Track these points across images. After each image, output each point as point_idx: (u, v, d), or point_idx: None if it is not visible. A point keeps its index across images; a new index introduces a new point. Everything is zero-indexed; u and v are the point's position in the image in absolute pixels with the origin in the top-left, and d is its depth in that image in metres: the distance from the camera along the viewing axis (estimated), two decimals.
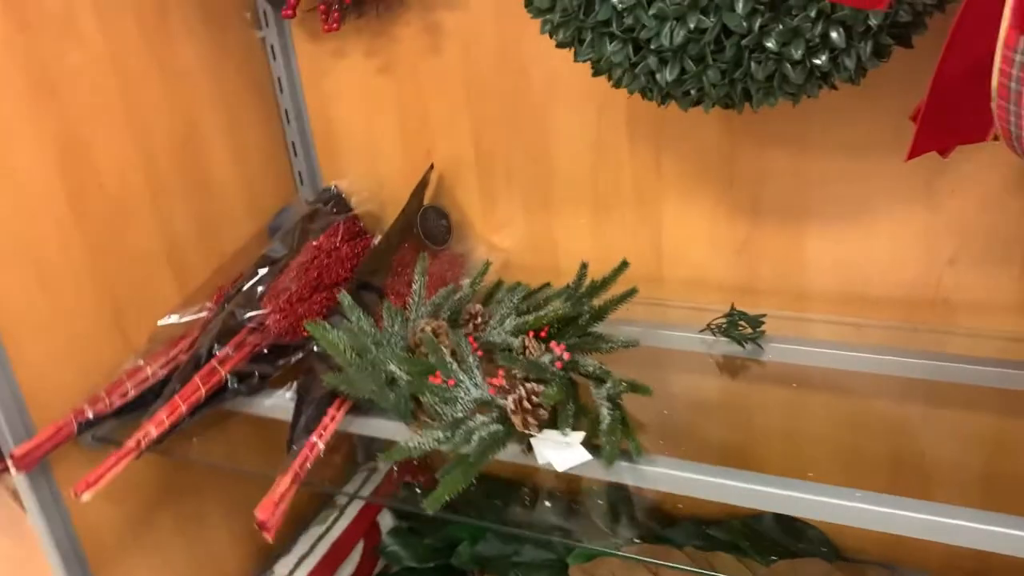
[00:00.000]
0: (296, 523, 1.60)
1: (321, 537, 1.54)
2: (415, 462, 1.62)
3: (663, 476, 0.98)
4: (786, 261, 1.29)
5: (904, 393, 1.21)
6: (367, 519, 1.58)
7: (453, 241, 1.46)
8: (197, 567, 1.43)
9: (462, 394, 1.02)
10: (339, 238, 1.43)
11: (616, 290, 1.20)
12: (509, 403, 1.00)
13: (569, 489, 1.32)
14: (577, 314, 1.16)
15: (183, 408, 1.17)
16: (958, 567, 1.37)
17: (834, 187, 1.22)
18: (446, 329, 1.15)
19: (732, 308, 1.23)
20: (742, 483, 0.94)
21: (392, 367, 1.02)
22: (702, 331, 1.26)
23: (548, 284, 1.28)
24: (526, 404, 0.99)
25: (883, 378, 1.18)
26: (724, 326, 1.23)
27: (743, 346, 1.21)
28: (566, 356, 1.10)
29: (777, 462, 1.34)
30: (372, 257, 1.35)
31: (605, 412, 1.02)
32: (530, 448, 1.01)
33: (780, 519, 1.52)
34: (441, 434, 0.98)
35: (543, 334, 1.17)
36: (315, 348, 1.20)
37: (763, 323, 1.22)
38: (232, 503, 1.51)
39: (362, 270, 1.32)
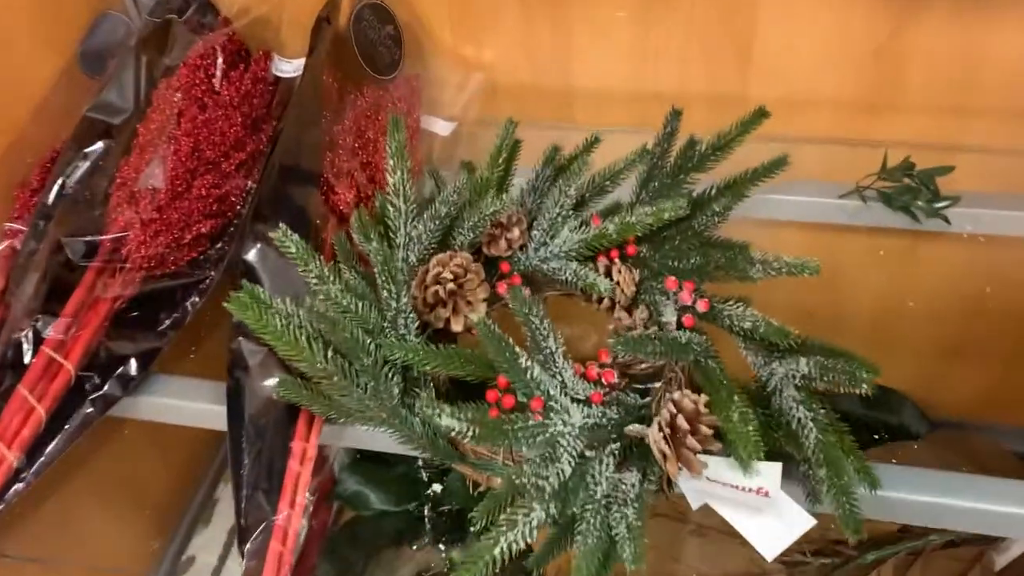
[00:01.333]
0: (196, 473, 1.14)
1: None
2: None
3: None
4: (951, 63, 0.82)
5: None
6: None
7: (404, 59, 0.90)
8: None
9: (560, 424, 0.56)
10: (214, 71, 0.84)
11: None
12: (654, 435, 0.55)
13: None
14: (696, 209, 0.68)
15: (12, 457, 0.64)
16: None
17: None
18: (478, 271, 0.65)
19: (906, 162, 0.77)
20: None
21: (433, 414, 0.53)
22: (845, 196, 0.81)
23: (596, 140, 0.76)
24: (688, 438, 0.54)
25: None
26: (893, 192, 0.78)
27: (917, 219, 0.78)
28: (702, 305, 0.63)
29: None
30: (293, 114, 0.78)
31: (802, 413, 0.58)
32: (670, 485, 0.58)
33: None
34: (542, 511, 0.53)
35: (630, 250, 0.69)
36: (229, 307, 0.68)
37: (941, 175, 0.78)
38: (111, 479, 1.02)
39: (283, 143, 0.76)
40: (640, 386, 0.62)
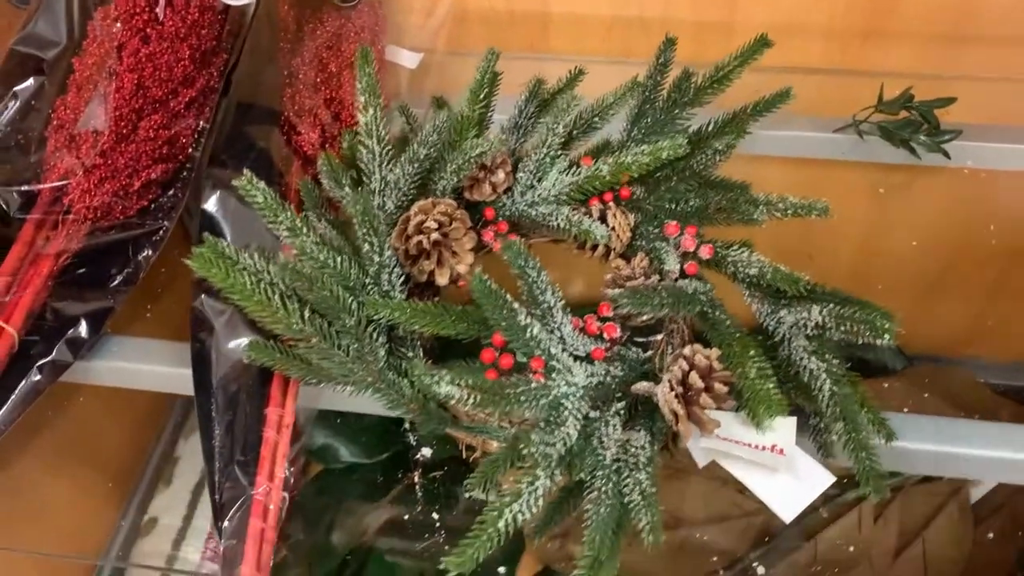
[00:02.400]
0: (152, 429, 1.08)
1: None
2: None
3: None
4: None
5: None
6: None
7: None
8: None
9: (563, 384, 0.52)
10: None
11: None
12: (664, 395, 0.51)
13: None
14: (695, 147, 0.64)
15: None
16: None
17: None
18: (464, 218, 0.60)
19: (905, 93, 0.73)
20: None
21: (432, 382, 0.47)
22: (841, 130, 0.77)
23: (580, 73, 0.71)
24: (702, 396, 0.50)
25: None
26: (892, 126, 0.74)
27: (917, 154, 0.74)
28: (706, 251, 0.59)
29: None
30: (249, 48, 0.71)
31: (814, 364, 0.55)
32: (676, 443, 0.55)
33: None
34: (547, 479, 0.49)
35: (624, 193, 0.64)
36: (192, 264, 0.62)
37: (941, 107, 0.74)
38: (57, 440, 0.96)
39: (239, 79, 0.69)
40: (641, 339, 0.58)
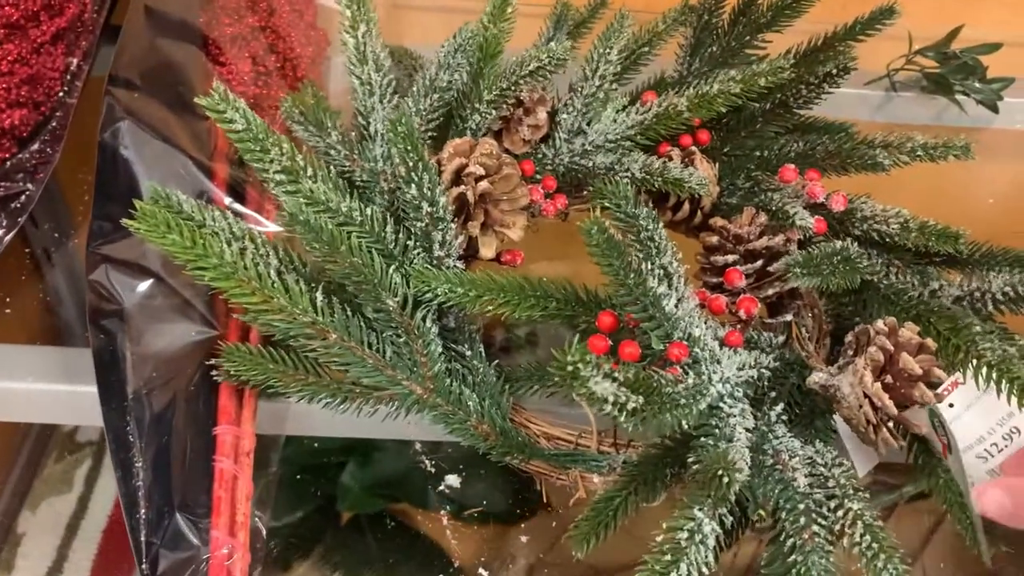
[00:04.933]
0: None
1: None
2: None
3: None
4: None
5: None
6: None
7: None
8: None
9: (717, 381, 0.35)
10: None
11: None
12: (863, 387, 0.35)
13: None
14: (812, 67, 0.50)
15: None
16: None
17: None
18: (514, 164, 0.43)
19: (947, 42, 0.63)
20: None
21: (590, 376, 0.29)
22: (872, 83, 0.66)
23: (603, 2, 0.55)
24: (919, 387, 0.35)
25: None
26: (946, 71, 0.63)
27: (963, 108, 0.64)
28: (839, 203, 0.45)
29: None
30: None
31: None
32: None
33: None
34: (711, 521, 0.32)
35: (703, 137, 0.49)
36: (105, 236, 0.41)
37: (987, 54, 0.65)
38: None
39: None
40: (770, 320, 0.43)
